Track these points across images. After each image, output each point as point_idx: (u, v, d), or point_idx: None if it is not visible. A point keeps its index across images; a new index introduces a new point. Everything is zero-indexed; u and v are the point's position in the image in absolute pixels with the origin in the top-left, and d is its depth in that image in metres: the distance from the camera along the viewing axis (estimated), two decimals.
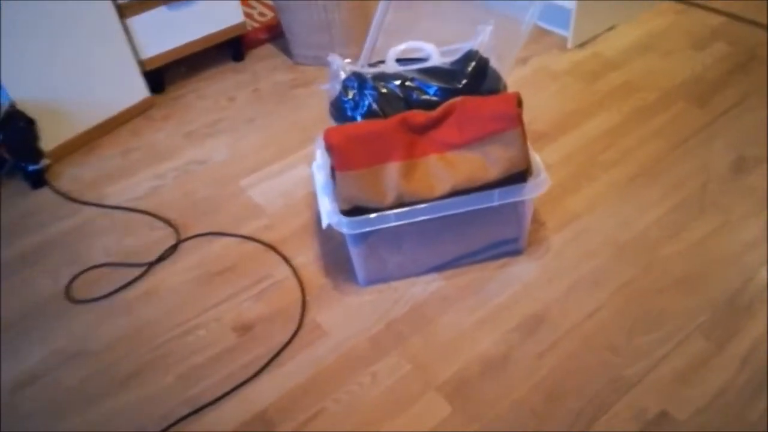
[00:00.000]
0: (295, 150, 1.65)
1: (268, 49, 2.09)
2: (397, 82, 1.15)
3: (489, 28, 1.15)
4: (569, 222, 1.35)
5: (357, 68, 1.18)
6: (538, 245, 1.30)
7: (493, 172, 1.11)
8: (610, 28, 1.95)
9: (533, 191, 1.14)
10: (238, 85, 1.93)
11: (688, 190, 1.38)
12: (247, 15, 2.11)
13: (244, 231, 1.43)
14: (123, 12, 1.68)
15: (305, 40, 1.90)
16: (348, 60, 1.18)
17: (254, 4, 2.18)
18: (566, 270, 1.25)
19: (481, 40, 1.15)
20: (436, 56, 1.20)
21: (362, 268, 1.24)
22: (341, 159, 1.09)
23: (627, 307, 1.17)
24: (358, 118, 1.17)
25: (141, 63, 1.78)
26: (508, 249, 1.28)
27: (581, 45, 1.89)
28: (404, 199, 1.11)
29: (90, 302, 1.30)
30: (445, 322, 1.18)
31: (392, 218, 1.12)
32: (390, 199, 1.11)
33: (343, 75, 1.17)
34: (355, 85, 1.16)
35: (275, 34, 2.09)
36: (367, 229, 1.12)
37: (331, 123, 1.23)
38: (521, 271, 1.26)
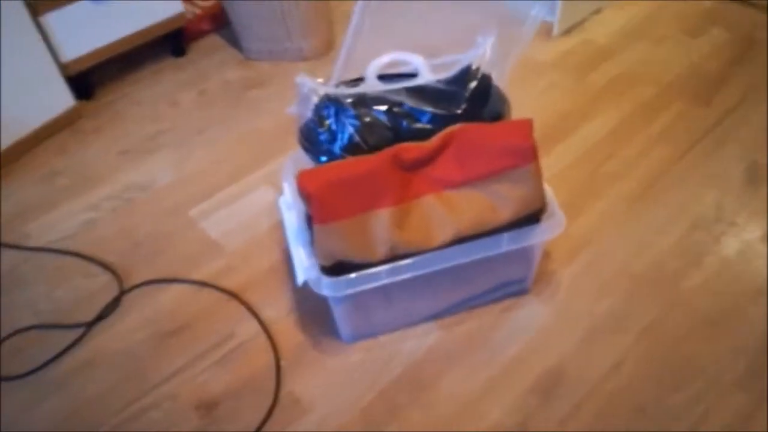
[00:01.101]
0: (254, 167, 1.42)
1: (214, 40, 1.82)
2: (383, 108, 0.95)
3: (491, 40, 0.95)
4: (577, 251, 1.18)
5: (332, 90, 0.96)
6: (546, 282, 1.14)
7: (504, 215, 0.93)
8: (597, 11, 1.77)
9: (548, 233, 0.97)
10: (180, 86, 1.67)
11: (703, 207, 1.24)
12: (188, 0, 1.83)
13: (200, 275, 1.21)
14: (35, 8, 1.39)
15: (257, 33, 1.65)
16: (320, 80, 0.96)
17: None
18: (580, 313, 1.09)
19: (482, 53, 0.95)
20: (427, 71, 1.00)
21: (346, 325, 1.05)
22: (321, 210, 0.89)
23: (651, 357, 1.02)
24: (337, 152, 0.95)
25: (62, 67, 1.49)
26: (514, 290, 1.11)
27: (567, 31, 1.71)
28: (398, 251, 0.92)
29: (15, 379, 1.07)
30: (447, 386, 1.01)
31: (384, 275, 0.93)
32: (381, 252, 0.92)
33: (315, 99, 0.95)
34: (332, 112, 0.94)
35: (221, 23, 1.82)
36: (353, 291, 0.93)
37: (300, 154, 1.02)
38: (530, 315, 1.09)
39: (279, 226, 1.27)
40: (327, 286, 0.92)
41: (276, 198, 1.32)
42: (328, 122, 0.95)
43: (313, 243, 0.92)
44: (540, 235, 0.96)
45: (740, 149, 1.34)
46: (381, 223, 0.90)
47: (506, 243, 0.94)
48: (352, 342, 1.07)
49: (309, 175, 0.89)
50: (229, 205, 1.34)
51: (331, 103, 0.94)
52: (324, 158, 0.96)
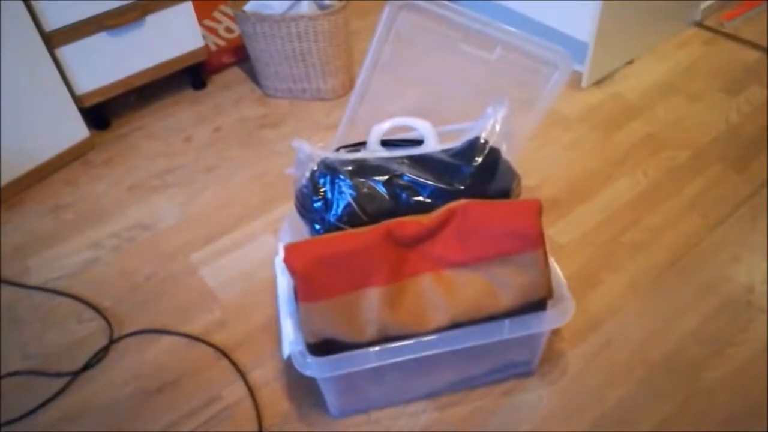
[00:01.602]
0: (259, 212, 1.38)
1: (235, 73, 1.80)
2: (382, 179, 0.89)
3: (502, 110, 0.89)
4: (589, 330, 1.10)
5: (330, 156, 0.91)
6: (553, 363, 1.06)
7: (504, 301, 0.86)
8: (629, 62, 1.69)
9: (553, 322, 0.89)
10: (196, 120, 1.64)
11: (732, 289, 1.14)
12: (211, 30, 1.81)
13: (192, 327, 1.16)
14: (51, 41, 1.38)
15: (275, 71, 1.62)
16: (320, 145, 0.92)
17: (219, 17, 1.88)
18: (588, 401, 1.01)
19: (492, 124, 0.89)
20: (432, 139, 0.94)
21: (334, 400, 0.99)
22: (307, 289, 0.83)
23: None
24: (332, 221, 0.90)
25: (78, 99, 1.49)
26: (517, 371, 1.04)
27: (597, 83, 1.63)
28: (388, 332, 0.86)
29: None
30: None
31: (372, 358, 0.86)
32: (369, 333, 0.86)
33: (312, 165, 0.90)
34: (327, 180, 0.89)
35: (243, 56, 1.79)
36: (339, 373, 0.87)
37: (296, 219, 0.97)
38: (533, 401, 1.02)
39: (274, 281, 1.22)
40: (310, 367, 0.86)
41: (275, 248, 1.28)
42: (323, 190, 0.90)
43: (298, 319, 0.87)
44: (544, 324, 0.89)
45: None
46: (371, 302, 0.84)
47: (507, 330, 0.88)
48: (341, 417, 1.01)
49: (296, 251, 0.84)
50: (230, 252, 1.30)
51: (327, 171, 0.89)
52: (318, 226, 0.91)
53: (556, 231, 1.27)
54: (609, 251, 1.23)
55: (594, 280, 1.18)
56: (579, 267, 1.20)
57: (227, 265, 1.27)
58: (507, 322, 0.87)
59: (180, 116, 1.66)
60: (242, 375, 1.08)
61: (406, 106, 0.97)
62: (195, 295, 1.22)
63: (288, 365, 1.09)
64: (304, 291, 0.83)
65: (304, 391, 1.04)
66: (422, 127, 0.94)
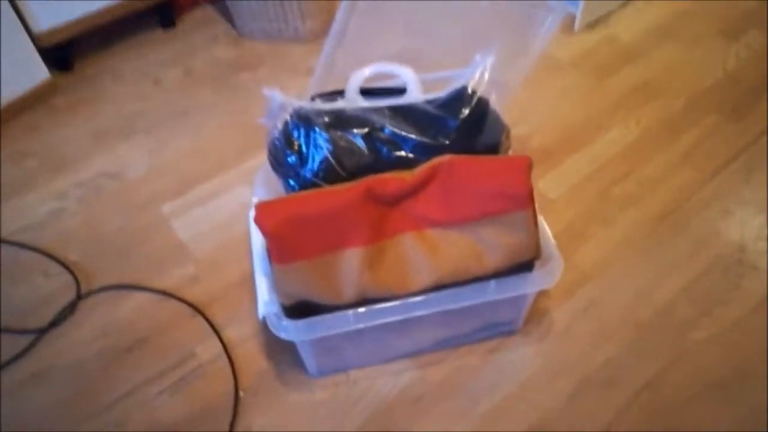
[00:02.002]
0: (235, 162, 1.31)
1: (207, 13, 1.68)
2: (362, 131, 0.82)
3: (490, 59, 0.82)
4: (577, 287, 1.07)
5: (305, 106, 0.84)
6: (538, 321, 1.03)
7: (490, 263, 0.81)
8: (624, 4, 1.60)
9: (541, 283, 0.85)
10: (166, 62, 1.54)
11: (724, 245, 1.11)
12: None
13: (165, 282, 1.11)
14: None
15: (251, 10, 1.51)
16: (294, 93, 0.84)
17: None
18: (573, 362, 0.98)
19: (480, 73, 0.82)
20: (416, 88, 0.87)
21: (312, 360, 0.95)
22: (279, 250, 0.78)
23: (647, 422, 0.92)
24: (308, 176, 0.84)
25: (35, 38, 1.38)
26: (501, 330, 1.00)
27: (591, 25, 1.55)
28: (368, 294, 0.82)
29: None
30: None
31: (351, 320, 0.82)
32: (348, 295, 0.81)
33: (286, 116, 0.83)
34: (301, 133, 0.82)
35: None
36: (316, 336, 0.83)
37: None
38: (516, 360, 0.99)
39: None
40: (285, 329, 0.82)
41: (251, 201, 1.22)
42: (297, 144, 0.83)
43: (273, 281, 0.82)
44: (531, 286, 0.85)
45: None
46: (350, 264, 0.79)
47: (492, 292, 0.83)
48: (319, 376, 0.98)
49: (267, 210, 0.78)
50: (204, 203, 1.24)
51: (301, 122, 0.82)
52: (293, 182, 0.85)
53: (545, 183, 1.22)
54: (599, 205, 1.19)
55: (583, 234, 1.14)
56: (568, 221, 1.16)
57: (201, 218, 1.21)
58: (493, 283, 0.83)
59: (149, 57, 1.56)
60: (217, 332, 1.04)
61: (388, 52, 0.89)
62: (167, 248, 1.17)
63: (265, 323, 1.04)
64: (277, 252, 0.78)
65: (281, 349, 1.01)
66: (405, 75, 0.87)
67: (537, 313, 1.03)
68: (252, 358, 1.01)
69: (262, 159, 1.30)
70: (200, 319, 1.06)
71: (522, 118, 1.33)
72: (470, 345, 1.00)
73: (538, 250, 0.83)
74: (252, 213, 0.78)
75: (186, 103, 1.44)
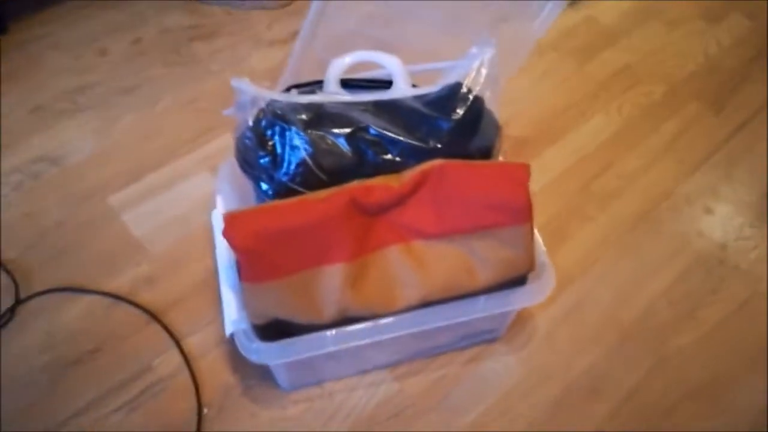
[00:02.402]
0: (192, 145, 1.19)
1: None
2: (344, 131, 0.74)
3: (490, 51, 0.74)
4: (560, 289, 1.01)
5: (280, 99, 0.74)
6: (520, 327, 0.98)
7: (482, 279, 0.75)
8: None
9: (534, 297, 0.80)
10: (111, 29, 1.39)
11: (706, 243, 1.09)
12: None
13: (116, 284, 1.01)
14: None
15: None
16: (265, 86, 0.74)
17: None
18: (556, 369, 0.95)
19: (477, 69, 0.74)
20: (403, 80, 0.78)
21: (284, 375, 0.88)
22: (252, 267, 0.70)
23: (633, 430, 0.90)
24: (283, 179, 0.75)
25: None
26: (482, 338, 0.95)
27: (571, 4, 1.47)
28: (350, 312, 0.75)
29: None
30: None
31: (330, 341, 0.75)
32: (328, 314, 0.74)
33: (258, 112, 0.73)
34: (276, 131, 0.73)
35: None
36: (291, 359, 0.75)
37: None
38: (498, 369, 0.94)
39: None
40: (257, 352, 0.74)
41: (214, 189, 1.12)
42: (271, 143, 0.74)
43: (242, 298, 0.73)
44: (523, 301, 0.80)
45: (751, 173, 1.18)
46: (330, 281, 0.72)
47: (482, 308, 0.78)
48: (291, 390, 0.91)
49: (238, 223, 0.69)
50: (158, 193, 1.12)
51: (275, 119, 0.73)
52: (266, 186, 0.76)
53: None
54: (580, 200, 1.14)
55: (564, 232, 1.09)
56: (549, 217, 1.11)
57: (155, 210, 1.10)
58: (483, 298, 0.77)
59: (92, 23, 1.40)
60: (176, 342, 0.95)
61: (372, 37, 0.80)
62: (117, 245, 1.06)
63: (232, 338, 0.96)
64: (249, 270, 0.70)
65: (248, 361, 0.92)
66: (391, 65, 0.78)
67: (518, 318, 0.98)
68: (216, 370, 0.93)
69: (221, 143, 1.21)
70: (157, 326, 0.97)
71: (499, 105, 1.26)
72: (449, 354, 0.95)
73: (533, 264, 0.77)
74: (216, 216, 0.69)
75: (135, 77, 1.30)
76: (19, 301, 0.99)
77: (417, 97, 0.77)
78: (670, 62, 1.36)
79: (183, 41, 1.37)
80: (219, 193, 0.89)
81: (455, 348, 0.95)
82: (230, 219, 0.69)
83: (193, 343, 0.95)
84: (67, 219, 1.09)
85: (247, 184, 0.84)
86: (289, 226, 0.69)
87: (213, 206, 1.05)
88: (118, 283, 1.01)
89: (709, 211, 1.13)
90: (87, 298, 1.00)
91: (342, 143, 0.74)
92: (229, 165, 0.90)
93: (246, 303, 0.73)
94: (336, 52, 0.80)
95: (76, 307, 0.99)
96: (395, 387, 0.92)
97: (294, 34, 1.38)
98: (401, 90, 0.77)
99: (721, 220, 1.12)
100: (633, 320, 1.00)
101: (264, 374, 0.91)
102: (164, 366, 0.93)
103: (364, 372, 0.93)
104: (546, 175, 1.17)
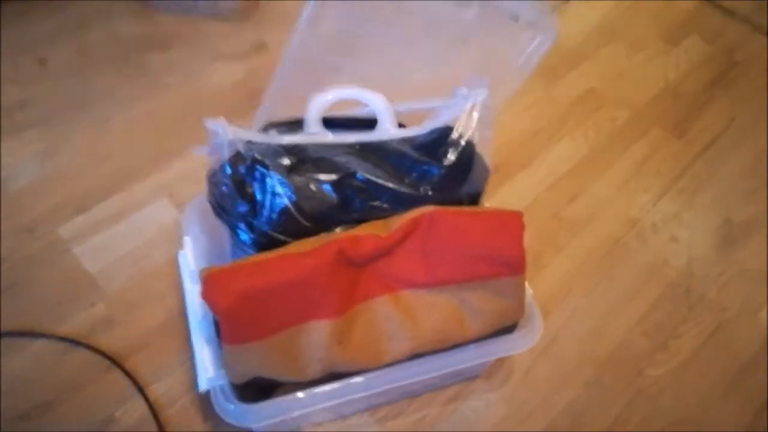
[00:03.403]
0: (148, 168, 1.11)
1: None
2: (330, 178, 0.69)
3: (482, 93, 0.71)
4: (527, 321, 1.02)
5: (258, 141, 0.69)
6: (498, 364, 0.97)
7: (472, 330, 0.73)
8: (566, 2, 1.54)
9: (524, 344, 0.78)
10: (52, 35, 1.28)
11: (674, 272, 1.10)
12: None
13: (69, 327, 0.93)
14: None
15: None
16: (240, 124, 0.69)
17: None
18: (537, 407, 0.94)
19: (468, 111, 0.71)
20: (388, 119, 0.75)
21: (261, 425, 0.83)
22: (234, 330, 0.65)
23: None
24: (263, 228, 0.70)
25: None
26: (462, 377, 0.93)
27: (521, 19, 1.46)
28: (336, 369, 0.71)
29: None
30: None
31: (316, 400, 0.71)
32: (313, 372, 0.70)
33: (233, 154, 0.68)
34: (256, 177, 0.68)
35: None
36: (275, 420, 0.71)
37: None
38: (480, 408, 0.93)
39: (175, 262, 1.00)
40: (236, 416, 0.69)
41: (177, 218, 1.05)
42: (250, 191, 0.68)
43: (221, 357, 0.68)
44: (513, 348, 0.78)
45: (713, 200, 1.21)
46: (316, 338, 0.68)
47: (471, 357, 0.75)
48: None
49: (220, 283, 0.63)
50: (112, 224, 1.04)
51: (257, 165, 0.67)
52: (245, 235, 0.71)
53: (496, 201, 1.14)
54: (552, 228, 1.14)
55: (538, 264, 1.08)
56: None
57: (109, 243, 1.02)
58: (472, 347, 0.75)
59: (29, 29, 1.28)
60: (140, 389, 0.89)
61: (355, 72, 0.75)
62: (69, 283, 0.97)
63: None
64: (231, 333, 0.65)
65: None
66: (376, 103, 0.74)
67: None
68: (186, 420, 0.87)
69: (180, 166, 1.13)
70: (118, 372, 0.90)
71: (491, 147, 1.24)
72: (429, 393, 0.93)
73: (523, 312, 0.75)
74: (184, 258, 0.64)
75: (82, 91, 1.21)
76: None
77: (404, 140, 0.73)
78: (633, 86, 1.38)
79: (134, 50, 1.28)
80: (187, 233, 0.82)
81: (435, 387, 0.93)
82: (210, 278, 0.63)
83: (158, 390, 0.89)
84: (11, 253, 0.99)
85: (217, 224, 0.78)
86: (274, 283, 0.65)
87: (175, 241, 0.99)
88: (72, 326, 0.93)
89: (674, 239, 1.15)
90: (37, 343, 0.91)
91: (328, 190, 0.69)
92: (197, 204, 0.84)
93: (226, 364, 0.67)
94: (314, 85, 0.75)
95: (27, 354, 0.90)
96: (376, 430, 0.89)
97: (254, 48, 1.32)
98: (388, 132, 0.73)
99: (686, 248, 1.14)
100: (608, 353, 1.00)
101: None
102: (128, 416, 0.87)
103: (344, 416, 0.89)
104: (519, 202, 1.16)
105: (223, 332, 0.65)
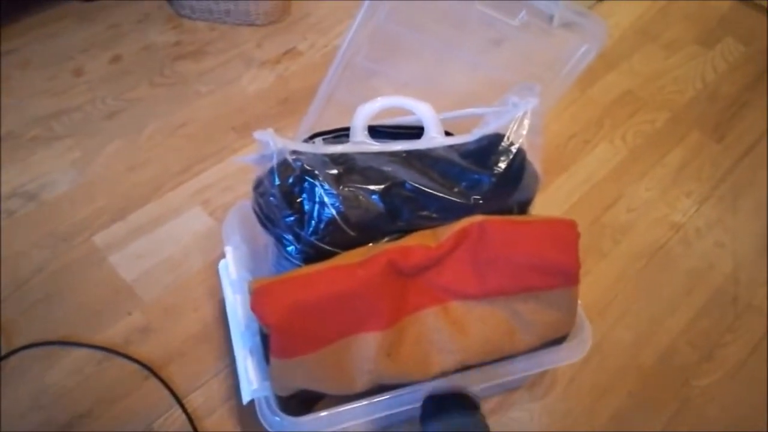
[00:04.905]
0: (182, 176, 1.11)
1: None
2: (378, 188, 0.68)
3: (533, 102, 0.69)
4: (579, 332, 0.99)
5: (306, 151, 0.68)
6: (541, 374, 0.95)
7: (523, 342, 0.71)
8: (601, 2, 1.51)
9: (573, 356, 0.76)
10: (87, 45, 1.29)
11: (717, 281, 1.07)
12: None
13: (107, 336, 0.93)
14: None
15: None
16: (290, 136, 0.68)
17: None
18: (580, 417, 0.91)
19: (520, 119, 0.69)
20: (435, 128, 0.73)
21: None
22: (284, 343, 0.63)
23: None
24: (308, 238, 0.69)
25: None
26: (506, 387, 0.91)
27: (567, 24, 1.44)
28: (383, 381, 0.69)
29: None
30: None
31: (367, 412, 0.70)
32: (362, 384, 0.68)
33: (281, 165, 0.67)
34: (305, 188, 0.67)
35: None
36: None
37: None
38: (523, 419, 0.91)
39: (212, 269, 0.99)
40: (281, 426, 0.68)
41: (211, 226, 1.05)
42: (299, 201, 0.67)
43: (268, 370, 0.67)
44: (561, 360, 0.76)
45: (756, 205, 1.18)
46: (365, 350, 0.66)
47: (520, 369, 0.73)
48: None
49: (268, 296, 0.62)
50: (147, 232, 1.04)
51: (305, 176, 0.66)
52: (291, 247, 0.69)
53: (535, 210, 1.12)
54: (593, 234, 1.11)
55: (582, 269, 1.06)
56: None
57: (145, 251, 1.02)
58: (521, 359, 0.73)
59: (65, 38, 1.29)
60: (178, 400, 0.88)
61: (399, 81, 0.74)
62: (106, 292, 0.97)
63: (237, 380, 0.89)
64: (280, 347, 0.63)
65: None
66: (422, 112, 0.73)
67: None
68: (224, 429, 0.86)
69: (214, 173, 1.13)
70: (156, 382, 0.89)
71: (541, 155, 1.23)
72: None
73: (575, 324, 0.73)
74: (224, 268, 0.63)
75: (117, 100, 1.21)
76: (0, 358, 0.89)
77: (452, 147, 0.72)
78: (670, 88, 1.35)
79: (167, 59, 1.28)
80: (228, 243, 0.81)
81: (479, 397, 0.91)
82: (260, 291, 0.62)
83: (196, 400, 0.88)
84: (48, 262, 0.99)
85: (257, 233, 0.77)
86: (324, 296, 0.63)
87: (210, 249, 0.99)
88: (110, 335, 0.93)
89: (720, 244, 1.12)
90: (76, 352, 0.91)
91: (376, 200, 0.68)
92: (236, 212, 0.83)
93: (273, 377, 0.66)
94: (360, 94, 0.74)
95: (65, 363, 0.90)
96: None
97: (286, 53, 1.32)
98: (435, 139, 0.72)
99: (732, 254, 1.11)
100: (653, 362, 0.98)
101: None
102: (167, 427, 0.86)
103: (384, 428, 0.88)
104: (558, 207, 1.14)
105: (272, 346, 0.64)
